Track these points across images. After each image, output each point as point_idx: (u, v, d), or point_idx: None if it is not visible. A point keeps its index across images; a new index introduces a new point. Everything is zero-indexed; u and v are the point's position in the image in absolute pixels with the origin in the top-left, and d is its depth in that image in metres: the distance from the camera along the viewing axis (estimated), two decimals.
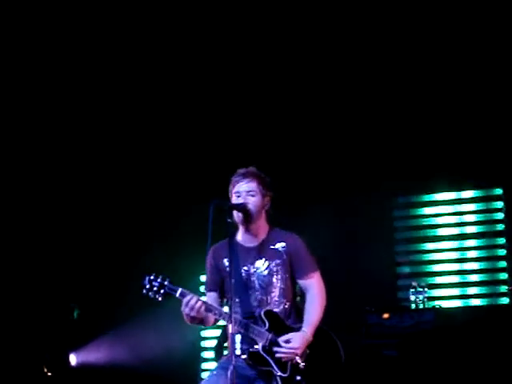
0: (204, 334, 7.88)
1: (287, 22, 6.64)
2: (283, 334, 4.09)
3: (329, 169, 7.34)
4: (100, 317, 7.93)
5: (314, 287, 4.24)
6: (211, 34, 6.80)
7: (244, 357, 4.07)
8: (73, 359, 7.96)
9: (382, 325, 6.11)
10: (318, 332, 4.15)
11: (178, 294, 4.02)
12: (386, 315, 6.13)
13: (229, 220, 4.10)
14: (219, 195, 4.20)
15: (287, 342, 4.06)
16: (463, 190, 7.20)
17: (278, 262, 4.24)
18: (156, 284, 4.04)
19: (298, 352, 4.04)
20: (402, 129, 7.12)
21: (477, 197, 7.17)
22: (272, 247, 4.27)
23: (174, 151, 7.74)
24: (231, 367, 3.85)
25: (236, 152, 6.99)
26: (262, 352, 4.06)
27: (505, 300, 6.80)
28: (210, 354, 7.48)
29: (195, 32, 6.81)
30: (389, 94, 7.06)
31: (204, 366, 7.70)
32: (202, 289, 6.89)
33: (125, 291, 7.63)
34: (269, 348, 4.06)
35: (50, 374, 7.70)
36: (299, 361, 4.07)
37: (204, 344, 7.87)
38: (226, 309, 4.13)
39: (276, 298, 4.22)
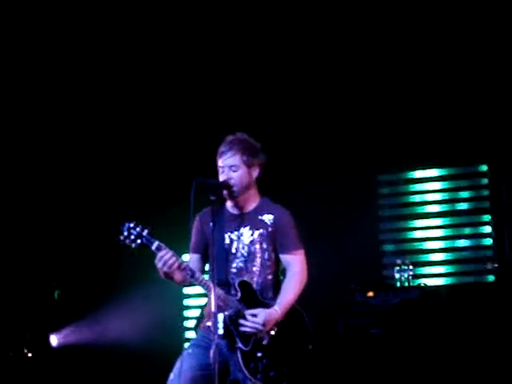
0: (186, 302, 7.85)
1: (277, 6, 6.56)
2: (253, 308, 4.01)
3: (312, 146, 7.27)
4: (81, 298, 7.85)
5: (295, 265, 4.16)
6: (196, 16, 6.71)
7: (209, 324, 4.01)
8: (53, 340, 7.90)
9: (367, 303, 6.09)
10: (291, 312, 4.08)
11: (153, 247, 3.92)
12: (370, 293, 6.11)
13: (212, 198, 4.03)
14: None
15: (253, 316, 3.97)
16: (448, 166, 7.14)
17: (262, 232, 4.16)
18: (134, 232, 3.93)
19: (262, 328, 3.95)
20: (386, 105, 7.06)
21: (462, 173, 7.12)
22: (260, 218, 4.19)
23: (160, 138, 7.73)
24: (213, 346, 3.78)
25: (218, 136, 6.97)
26: (227, 320, 3.97)
27: (490, 277, 6.78)
28: (193, 323, 7.46)
29: (180, 14, 6.72)
30: (369, 73, 6.99)
31: (187, 334, 7.68)
32: None
33: (106, 271, 7.61)
34: (235, 318, 3.98)
35: (30, 354, 7.63)
36: (263, 337, 3.99)
37: (186, 314, 7.83)
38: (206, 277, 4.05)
39: (257, 268, 4.14)
